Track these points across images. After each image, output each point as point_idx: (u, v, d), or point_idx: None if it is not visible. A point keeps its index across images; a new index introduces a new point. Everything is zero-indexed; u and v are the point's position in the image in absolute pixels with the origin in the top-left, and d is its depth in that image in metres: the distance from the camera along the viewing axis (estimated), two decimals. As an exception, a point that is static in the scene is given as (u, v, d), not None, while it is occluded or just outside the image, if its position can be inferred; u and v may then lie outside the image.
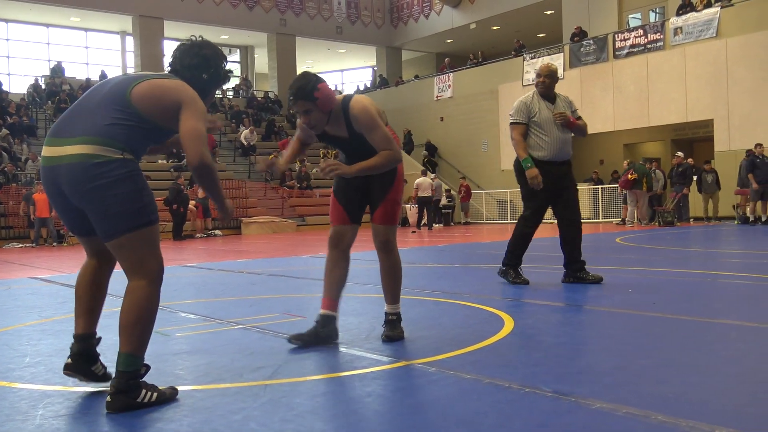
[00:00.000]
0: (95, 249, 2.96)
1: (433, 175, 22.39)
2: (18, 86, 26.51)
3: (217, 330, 4.27)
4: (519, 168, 5.85)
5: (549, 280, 6.57)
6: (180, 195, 18.62)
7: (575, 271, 5.88)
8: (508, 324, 4.08)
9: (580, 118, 5.95)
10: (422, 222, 20.58)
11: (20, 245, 17.49)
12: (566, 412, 2.42)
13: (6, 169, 19.59)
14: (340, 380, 2.94)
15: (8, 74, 27.03)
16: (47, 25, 28.23)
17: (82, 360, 2.90)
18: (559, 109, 5.81)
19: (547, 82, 5.84)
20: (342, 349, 3.58)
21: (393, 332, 3.76)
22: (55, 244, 17.62)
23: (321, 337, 3.67)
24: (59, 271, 9.35)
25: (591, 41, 22.04)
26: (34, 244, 17.52)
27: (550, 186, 5.73)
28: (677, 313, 4.33)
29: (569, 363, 3.15)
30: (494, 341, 3.62)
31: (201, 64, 2.85)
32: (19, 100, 24.12)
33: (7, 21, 26.69)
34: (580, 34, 22.70)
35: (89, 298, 2.98)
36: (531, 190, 5.79)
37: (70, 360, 2.91)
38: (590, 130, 25.07)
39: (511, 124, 5.86)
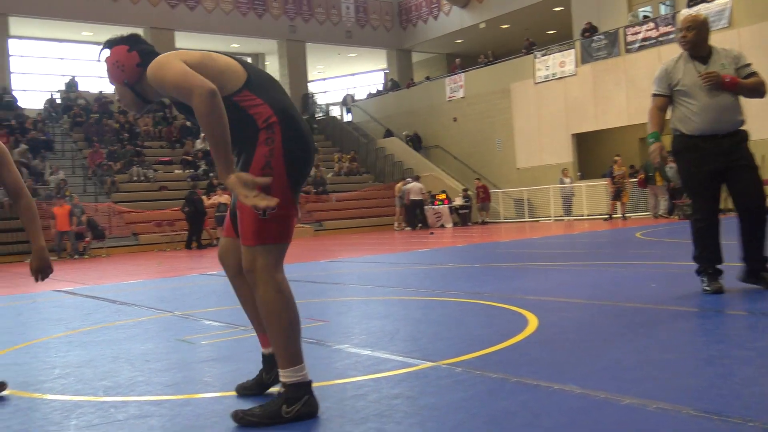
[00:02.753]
0: None
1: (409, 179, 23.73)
2: (34, 102, 26.76)
3: (241, 337, 4.30)
4: (674, 149, 4.83)
5: (570, 279, 6.55)
6: (198, 204, 18.70)
7: (752, 272, 4.73)
8: (533, 322, 4.07)
9: (752, 74, 4.66)
10: (417, 225, 22.39)
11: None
12: (595, 408, 2.41)
13: (26, 184, 19.78)
14: (367, 383, 2.95)
15: (24, 90, 27.31)
16: (60, 41, 28.51)
17: None
18: (712, 67, 4.62)
19: (689, 36, 4.67)
20: (367, 351, 3.59)
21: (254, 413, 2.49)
22: (76, 256, 17.78)
23: (268, 385, 2.91)
24: (82, 283, 9.44)
25: (602, 36, 21.94)
26: (55, 257, 17.68)
27: (710, 167, 4.60)
28: (700, 306, 4.31)
29: (595, 360, 3.14)
30: (519, 340, 3.62)
31: None
32: (35, 115, 24.37)
33: (21, 38, 26.96)
34: (590, 30, 22.61)
35: None
36: (685, 178, 4.79)
37: None
38: (603, 126, 24.61)
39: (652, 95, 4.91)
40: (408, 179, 23.36)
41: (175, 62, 2.43)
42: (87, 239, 18.14)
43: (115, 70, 2.64)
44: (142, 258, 15.84)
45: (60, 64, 28.88)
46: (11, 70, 25.68)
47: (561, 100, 22.69)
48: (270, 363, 2.86)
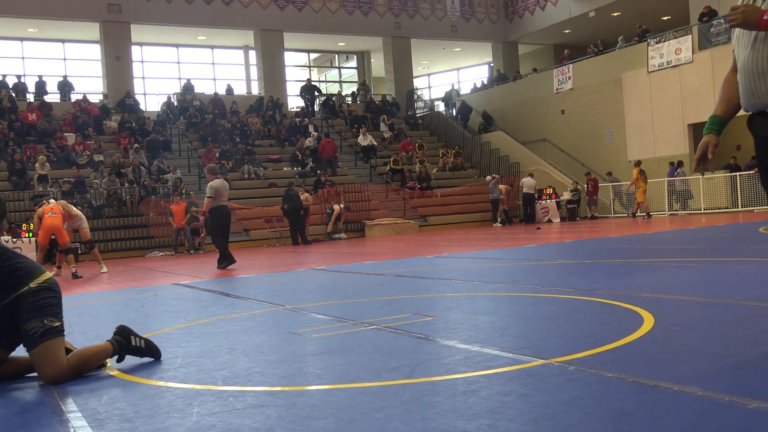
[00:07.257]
0: None
1: (495, 176, 23.41)
2: (153, 105, 28.19)
3: (351, 331, 4.37)
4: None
5: (688, 275, 6.28)
6: (295, 199, 19.03)
7: None
8: (648, 321, 3.93)
9: None
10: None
11: (161, 254, 18.60)
12: (720, 411, 2.30)
13: (145, 182, 20.88)
14: (478, 379, 2.93)
15: (144, 94, 28.79)
16: (177, 46, 29.86)
17: None
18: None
19: None
20: (476, 347, 3.57)
21: None
22: (191, 251, 18.60)
23: None
24: (198, 277, 9.87)
25: (722, 20, 20.83)
26: (173, 252, 18.57)
27: (761, 158, 3.14)
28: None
29: (719, 360, 2.99)
30: (635, 338, 3.50)
31: None
32: (155, 117, 25.66)
33: (141, 44, 28.44)
34: (709, 14, 21.52)
35: None
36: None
37: None
38: (724, 115, 23.69)
39: None
40: (494, 176, 23.33)
41: None
42: (202, 235, 18.94)
43: None
44: (253, 253, 16.38)
45: (177, 68, 30.25)
46: (133, 75, 27.11)
47: (676, 88, 21.72)
48: None
